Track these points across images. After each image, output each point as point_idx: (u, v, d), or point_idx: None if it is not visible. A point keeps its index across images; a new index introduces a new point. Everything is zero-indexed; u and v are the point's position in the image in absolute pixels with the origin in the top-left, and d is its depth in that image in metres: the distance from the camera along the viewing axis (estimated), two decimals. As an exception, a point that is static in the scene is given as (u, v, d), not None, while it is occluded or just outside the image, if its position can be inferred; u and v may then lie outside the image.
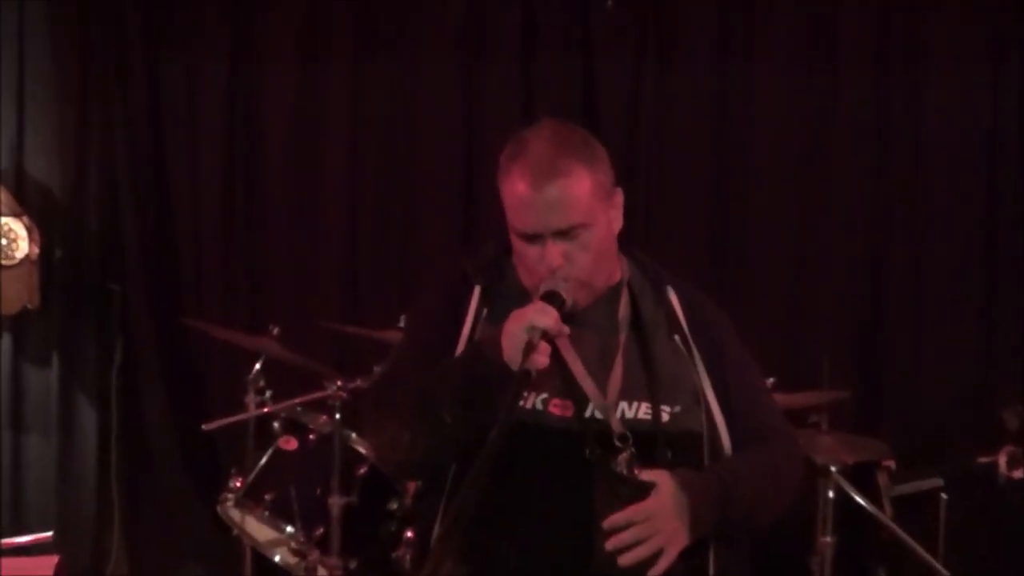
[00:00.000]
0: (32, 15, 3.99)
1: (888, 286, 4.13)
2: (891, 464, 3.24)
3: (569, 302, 1.84)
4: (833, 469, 3.07)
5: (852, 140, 4.11)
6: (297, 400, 3.28)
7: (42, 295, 3.85)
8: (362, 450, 3.28)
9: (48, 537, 3.72)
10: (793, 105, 4.11)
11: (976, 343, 4.05)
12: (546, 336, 1.77)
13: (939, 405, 3.99)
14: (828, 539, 3.13)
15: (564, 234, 1.88)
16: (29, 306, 3.76)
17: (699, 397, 1.92)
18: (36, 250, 3.72)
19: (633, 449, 1.82)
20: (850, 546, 3.28)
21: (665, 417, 1.89)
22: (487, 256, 2.03)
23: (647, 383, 1.91)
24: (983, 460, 3.28)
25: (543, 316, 1.78)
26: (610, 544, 1.77)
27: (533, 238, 1.89)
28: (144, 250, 4.09)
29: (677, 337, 1.96)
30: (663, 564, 1.78)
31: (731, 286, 4.04)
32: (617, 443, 1.83)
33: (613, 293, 1.98)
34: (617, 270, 2.00)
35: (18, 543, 3.58)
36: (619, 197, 1.98)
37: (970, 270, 4.08)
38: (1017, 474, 3.19)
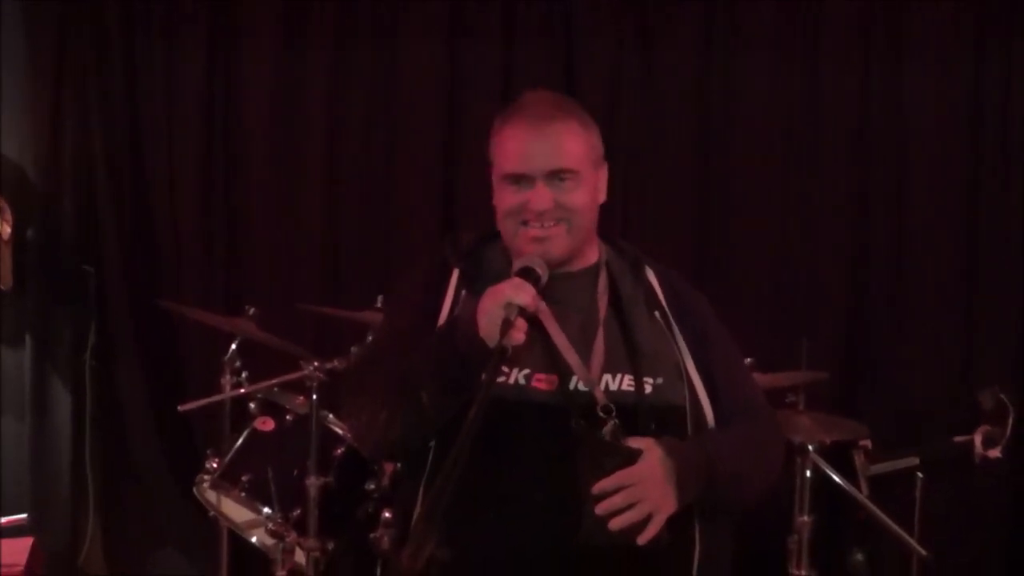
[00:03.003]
0: (7, -4, 3.94)
1: (867, 268, 4.14)
2: (868, 444, 3.25)
3: (544, 278, 1.85)
4: (810, 448, 3.08)
5: (835, 125, 4.11)
6: (274, 381, 3.26)
7: (15, 276, 3.81)
8: (339, 431, 3.27)
9: (22, 519, 3.70)
10: (775, 90, 4.10)
11: (954, 325, 4.07)
12: (523, 312, 1.77)
13: (916, 386, 4.01)
14: (805, 518, 3.14)
15: (555, 177, 1.90)
16: (2, 287, 3.72)
17: (681, 371, 1.94)
18: (8, 230, 3.67)
19: (617, 420, 1.83)
20: (827, 525, 3.30)
21: (648, 389, 1.90)
22: (467, 241, 2.04)
23: (629, 356, 1.92)
24: (959, 440, 3.29)
25: (519, 292, 1.79)
26: (600, 508, 1.77)
27: (522, 180, 1.90)
28: (120, 231, 4.05)
29: (657, 313, 1.98)
30: (652, 530, 1.79)
31: (711, 268, 4.05)
32: (601, 414, 1.84)
33: (592, 272, 2.00)
34: (595, 250, 2.02)
35: None
36: (605, 172, 2.02)
37: (949, 253, 4.10)
38: (993, 454, 3.21)
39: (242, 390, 3.31)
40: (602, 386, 1.89)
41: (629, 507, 1.78)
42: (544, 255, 1.91)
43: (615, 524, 1.77)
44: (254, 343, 3.38)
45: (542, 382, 1.88)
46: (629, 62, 4.09)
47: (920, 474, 3.27)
